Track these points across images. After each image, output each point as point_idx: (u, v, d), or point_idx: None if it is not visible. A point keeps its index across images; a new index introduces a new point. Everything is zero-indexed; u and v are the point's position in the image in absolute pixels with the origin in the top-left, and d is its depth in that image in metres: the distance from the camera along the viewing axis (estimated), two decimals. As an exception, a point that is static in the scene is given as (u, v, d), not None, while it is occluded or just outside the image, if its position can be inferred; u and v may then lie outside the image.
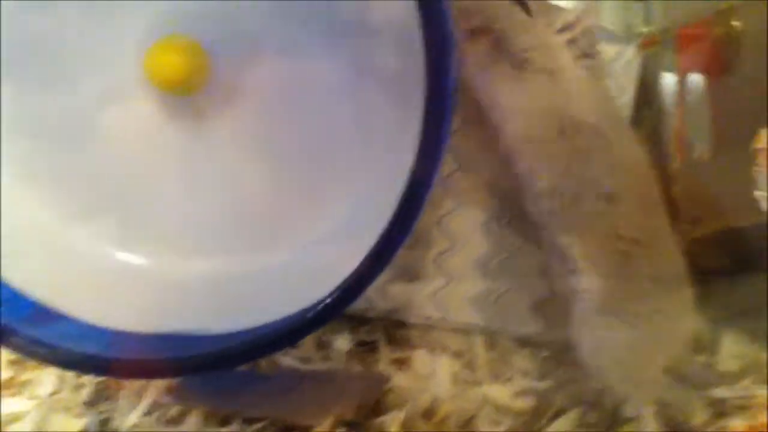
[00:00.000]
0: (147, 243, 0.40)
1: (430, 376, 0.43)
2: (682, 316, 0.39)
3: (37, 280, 0.37)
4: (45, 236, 0.39)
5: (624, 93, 0.42)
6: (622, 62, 0.41)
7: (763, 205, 0.40)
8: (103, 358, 0.35)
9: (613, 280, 0.36)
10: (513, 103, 0.36)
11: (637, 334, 0.36)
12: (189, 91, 0.37)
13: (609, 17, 0.46)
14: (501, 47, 0.36)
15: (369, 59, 0.38)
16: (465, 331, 0.45)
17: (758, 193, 0.40)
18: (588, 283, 0.36)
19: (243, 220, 0.40)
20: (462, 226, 0.44)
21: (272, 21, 0.38)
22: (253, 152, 0.39)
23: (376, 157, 0.39)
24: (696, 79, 0.45)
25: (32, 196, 0.39)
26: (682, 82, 0.45)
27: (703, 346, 0.43)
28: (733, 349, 0.43)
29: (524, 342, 0.44)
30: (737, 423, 0.38)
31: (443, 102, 0.33)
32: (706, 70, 0.45)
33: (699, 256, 0.45)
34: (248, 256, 0.40)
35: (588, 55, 0.38)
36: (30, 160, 0.39)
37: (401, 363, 0.44)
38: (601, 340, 0.37)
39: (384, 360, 0.44)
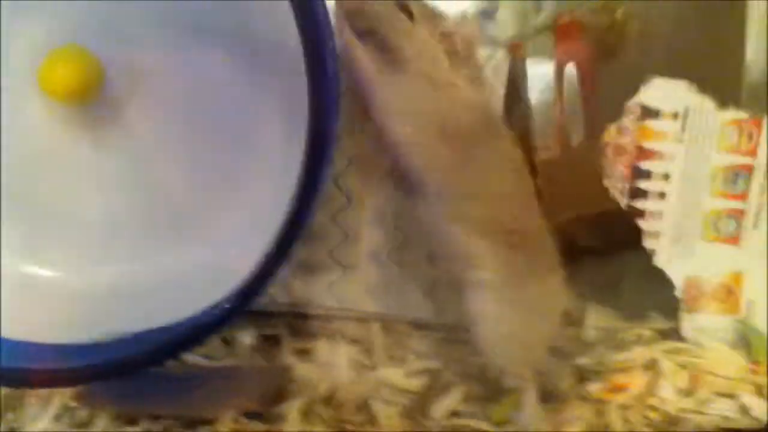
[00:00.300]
0: (51, 254, 0.40)
1: (330, 363, 0.45)
2: (558, 297, 0.43)
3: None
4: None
5: (494, 93, 0.45)
6: (491, 65, 0.45)
7: (613, 194, 0.45)
8: (11, 370, 0.36)
9: (502, 271, 0.40)
10: (394, 106, 0.39)
11: (524, 316, 0.40)
12: (84, 101, 0.38)
13: (504, 12, 0.50)
14: (384, 51, 0.39)
15: (259, 61, 0.40)
16: (363, 318, 0.48)
17: (607, 183, 0.45)
18: (481, 275, 0.40)
19: (145, 225, 0.42)
20: (355, 220, 0.46)
21: (162, 28, 0.39)
22: (151, 157, 0.40)
23: (272, 158, 0.41)
24: (572, 69, 0.49)
25: None
26: (560, 73, 0.49)
27: (572, 319, 0.48)
28: (594, 320, 0.47)
29: (418, 325, 0.48)
30: (595, 386, 0.43)
31: (325, 105, 0.35)
32: (585, 60, 0.49)
33: (574, 236, 0.50)
34: (151, 261, 0.41)
35: (466, 63, 0.40)
36: None
37: (303, 353, 0.46)
38: (495, 325, 0.40)
39: (287, 352, 0.46)
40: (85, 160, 0.40)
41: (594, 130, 0.48)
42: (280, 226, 0.36)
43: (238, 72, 0.40)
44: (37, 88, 0.37)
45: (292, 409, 0.40)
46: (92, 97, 0.38)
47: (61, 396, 0.41)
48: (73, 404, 0.40)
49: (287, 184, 0.37)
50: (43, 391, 0.41)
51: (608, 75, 0.49)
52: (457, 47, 0.40)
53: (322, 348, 0.46)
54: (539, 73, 0.49)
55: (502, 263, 0.40)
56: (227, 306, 0.37)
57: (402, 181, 0.41)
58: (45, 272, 0.41)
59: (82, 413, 0.40)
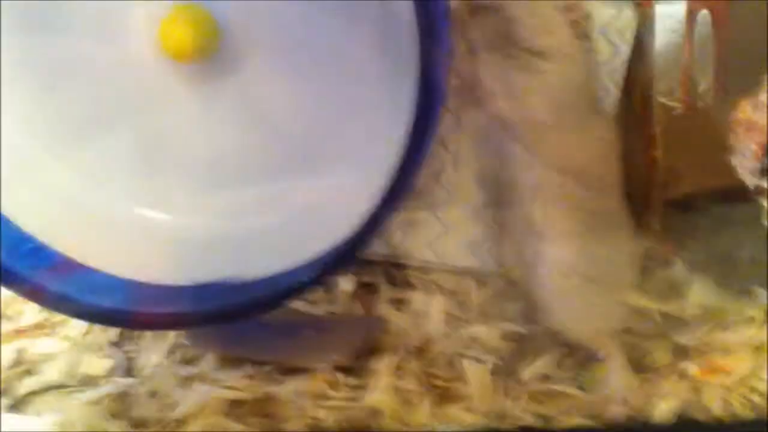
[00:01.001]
0: (165, 199, 0.43)
1: (424, 314, 0.46)
2: (628, 273, 0.43)
3: (61, 236, 0.40)
4: (69, 195, 0.42)
5: (618, 55, 0.43)
6: (618, 24, 0.42)
7: (739, 173, 0.42)
8: (126, 312, 0.38)
9: (575, 246, 0.39)
10: (526, 90, 0.38)
11: (596, 292, 0.40)
12: (200, 59, 0.39)
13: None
14: (510, 34, 0.37)
15: (371, 12, 0.39)
16: (460, 273, 0.48)
17: (734, 161, 0.42)
18: (554, 249, 0.40)
19: (253, 172, 0.43)
20: (459, 179, 0.46)
21: None
22: (264, 109, 0.41)
23: (383, 111, 0.40)
24: (705, 15, 0.46)
25: (57, 159, 0.42)
26: (691, 17, 0.45)
27: (676, 291, 0.46)
28: (701, 295, 0.46)
29: (513, 284, 0.48)
30: (693, 365, 0.42)
31: (435, 57, 0.34)
32: (721, 6, 0.45)
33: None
34: (260, 206, 0.43)
35: (585, 36, 0.39)
36: (51, 125, 0.41)
37: (399, 303, 0.47)
38: (567, 300, 0.40)
39: (383, 300, 0.47)
40: (199, 113, 0.41)
41: (724, 85, 0.45)
42: (392, 170, 0.36)
43: (352, 24, 0.39)
44: (155, 47, 0.38)
45: (384, 364, 0.41)
46: (208, 56, 0.39)
47: (175, 333, 0.44)
48: (185, 342, 0.43)
49: (394, 136, 0.37)
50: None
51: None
52: (578, 21, 0.38)
53: (417, 298, 0.47)
54: (668, 13, 0.45)
55: (575, 239, 0.40)
56: (336, 254, 0.38)
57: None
58: (160, 215, 0.43)
59: (192, 351, 0.43)
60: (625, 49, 0.43)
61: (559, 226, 0.40)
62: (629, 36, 0.43)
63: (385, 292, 0.48)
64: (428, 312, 0.46)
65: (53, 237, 0.40)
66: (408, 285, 0.48)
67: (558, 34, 0.38)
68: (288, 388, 0.40)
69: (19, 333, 0.45)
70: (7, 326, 0.45)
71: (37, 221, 0.40)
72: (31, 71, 0.40)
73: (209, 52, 0.39)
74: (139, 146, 0.42)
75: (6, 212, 0.39)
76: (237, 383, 0.40)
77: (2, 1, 0.38)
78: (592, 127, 0.39)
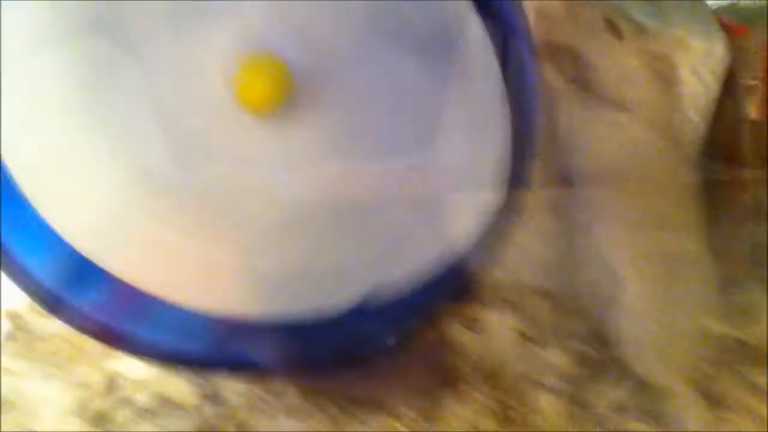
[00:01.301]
0: (245, 239, 0.43)
1: (496, 335, 0.47)
2: (705, 308, 0.43)
3: (149, 276, 0.42)
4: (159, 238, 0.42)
5: (708, 90, 0.41)
6: (712, 59, 0.40)
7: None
8: (210, 360, 0.40)
9: (654, 291, 0.39)
10: (602, 140, 0.37)
11: (672, 333, 0.41)
12: (274, 109, 0.38)
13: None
14: (587, 81, 0.36)
15: (451, 67, 0.38)
16: (531, 291, 0.48)
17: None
18: (633, 296, 0.40)
19: (331, 215, 0.42)
20: (531, 202, 0.45)
21: (356, 36, 0.37)
22: (335, 160, 0.41)
23: (461, 170, 0.40)
24: None
25: (150, 207, 0.42)
26: None
27: (750, 316, 0.46)
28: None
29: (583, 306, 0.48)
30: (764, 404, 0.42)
31: (525, 113, 0.34)
32: None
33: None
34: (335, 250, 0.43)
35: (670, 81, 0.37)
36: (140, 177, 0.41)
37: (470, 321, 0.48)
38: (643, 341, 0.41)
39: (453, 318, 0.47)
40: (270, 158, 0.41)
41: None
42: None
43: (430, 76, 0.38)
44: (224, 96, 0.37)
45: (457, 395, 0.42)
46: (281, 105, 0.38)
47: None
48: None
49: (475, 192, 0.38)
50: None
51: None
52: (666, 71, 0.36)
53: (489, 317, 0.48)
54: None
55: (653, 284, 0.40)
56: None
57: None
58: (231, 255, 0.43)
59: (276, 382, 0.44)
60: (714, 85, 0.41)
61: (638, 273, 0.39)
62: (719, 71, 0.41)
63: (455, 308, 0.48)
64: (500, 332, 0.47)
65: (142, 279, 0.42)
66: (478, 302, 0.49)
67: (639, 83, 0.36)
68: (365, 426, 0.41)
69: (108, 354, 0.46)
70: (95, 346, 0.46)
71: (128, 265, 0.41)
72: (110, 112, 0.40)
73: (285, 102, 0.38)
74: (220, 192, 0.42)
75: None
76: (316, 417, 0.42)
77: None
78: (673, 174, 0.38)
